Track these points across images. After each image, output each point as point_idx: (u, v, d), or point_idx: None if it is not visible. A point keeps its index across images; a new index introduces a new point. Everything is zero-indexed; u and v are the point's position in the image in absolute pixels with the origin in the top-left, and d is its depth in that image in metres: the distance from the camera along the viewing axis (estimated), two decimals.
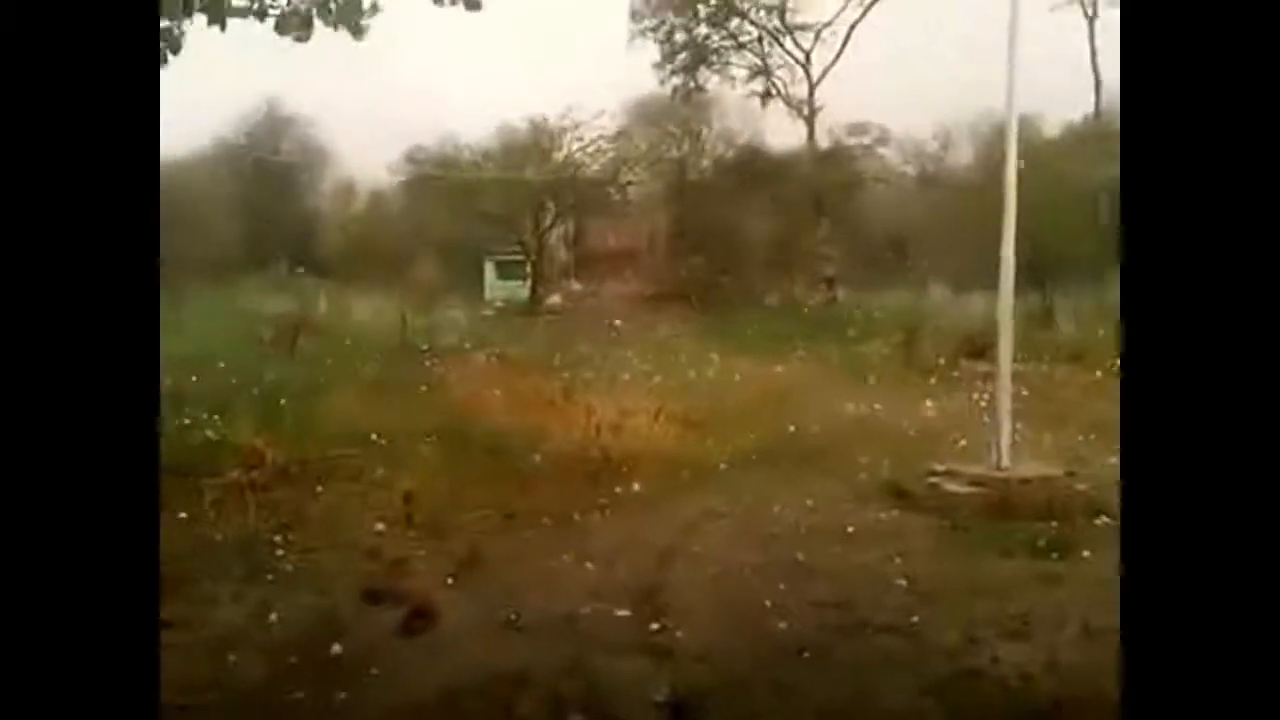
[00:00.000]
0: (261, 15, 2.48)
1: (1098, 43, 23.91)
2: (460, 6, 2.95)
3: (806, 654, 4.15)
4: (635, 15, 25.57)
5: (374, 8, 2.56)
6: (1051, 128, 22.43)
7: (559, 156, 26.23)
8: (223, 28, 2.56)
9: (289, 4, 2.49)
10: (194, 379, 10.26)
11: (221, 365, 11.95)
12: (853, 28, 24.26)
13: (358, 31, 2.58)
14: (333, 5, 2.46)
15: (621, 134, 26.90)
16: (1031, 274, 14.75)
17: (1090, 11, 25.33)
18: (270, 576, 5.16)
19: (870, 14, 24.15)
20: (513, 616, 4.55)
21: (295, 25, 2.49)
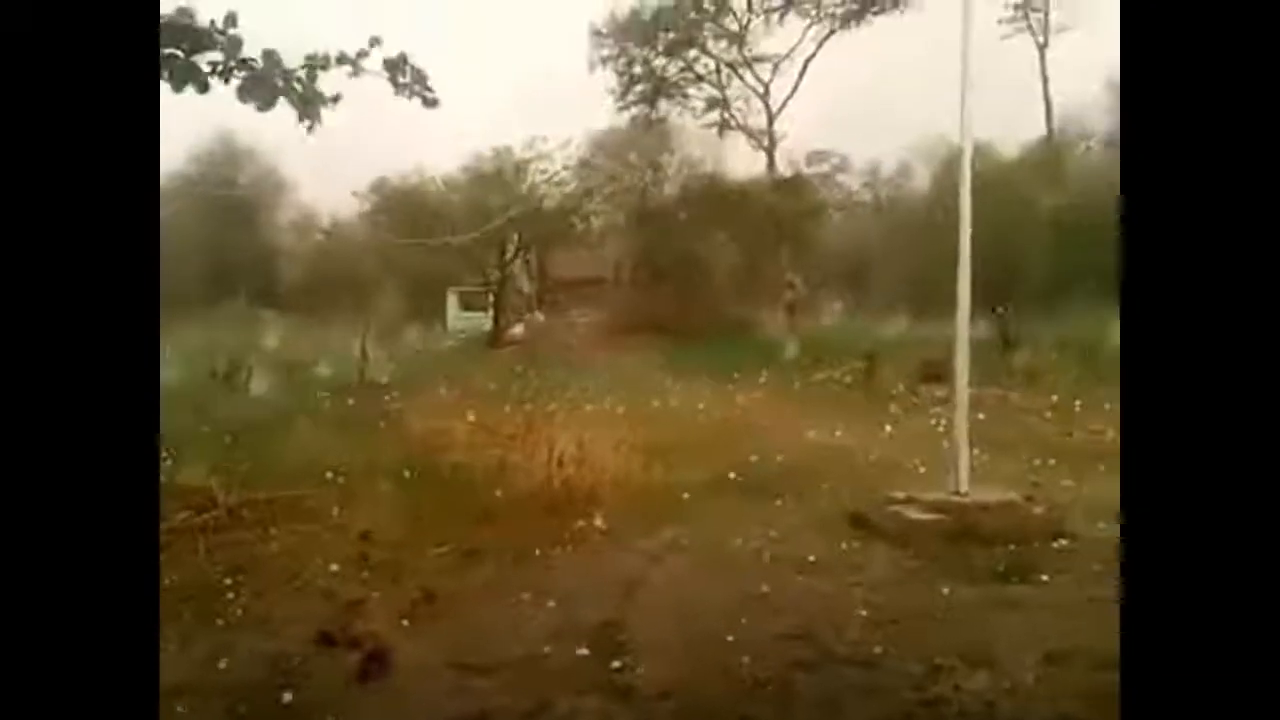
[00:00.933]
0: (226, 77, 2.41)
1: (1049, 70, 24.71)
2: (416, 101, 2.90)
3: (770, 688, 4.11)
4: (596, 40, 25.72)
5: (337, 99, 2.51)
6: (1006, 153, 23.01)
7: (523, 188, 26.28)
8: (178, 89, 2.48)
9: (253, 72, 2.43)
10: None
11: (174, 403, 11.69)
12: (808, 61, 24.77)
13: (315, 117, 2.52)
14: (297, 85, 2.41)
15: (585, 164, 27.05)
16: (987, 298, 15.02)
17: (1041, 39, 26.25)
18: (220, 621, 5.01)
19: (827, 45, 24.71)
20: (472, 659, 4.46)
21: (259, 95, 2.42)
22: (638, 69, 26.22)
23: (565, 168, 26.56)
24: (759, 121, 25.75)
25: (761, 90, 25.50)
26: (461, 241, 21.64)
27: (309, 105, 2.33)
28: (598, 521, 6.82)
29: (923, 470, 8.04)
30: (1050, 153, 23.69)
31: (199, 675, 4.30)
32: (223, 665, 4.44)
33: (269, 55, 2.28)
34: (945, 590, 5.35)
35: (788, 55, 24.93)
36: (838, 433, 10.28)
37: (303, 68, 2.31)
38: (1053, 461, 8.41)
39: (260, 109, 2.24)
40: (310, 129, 2.34)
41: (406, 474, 7.98)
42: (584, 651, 4.55)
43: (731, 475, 8.17)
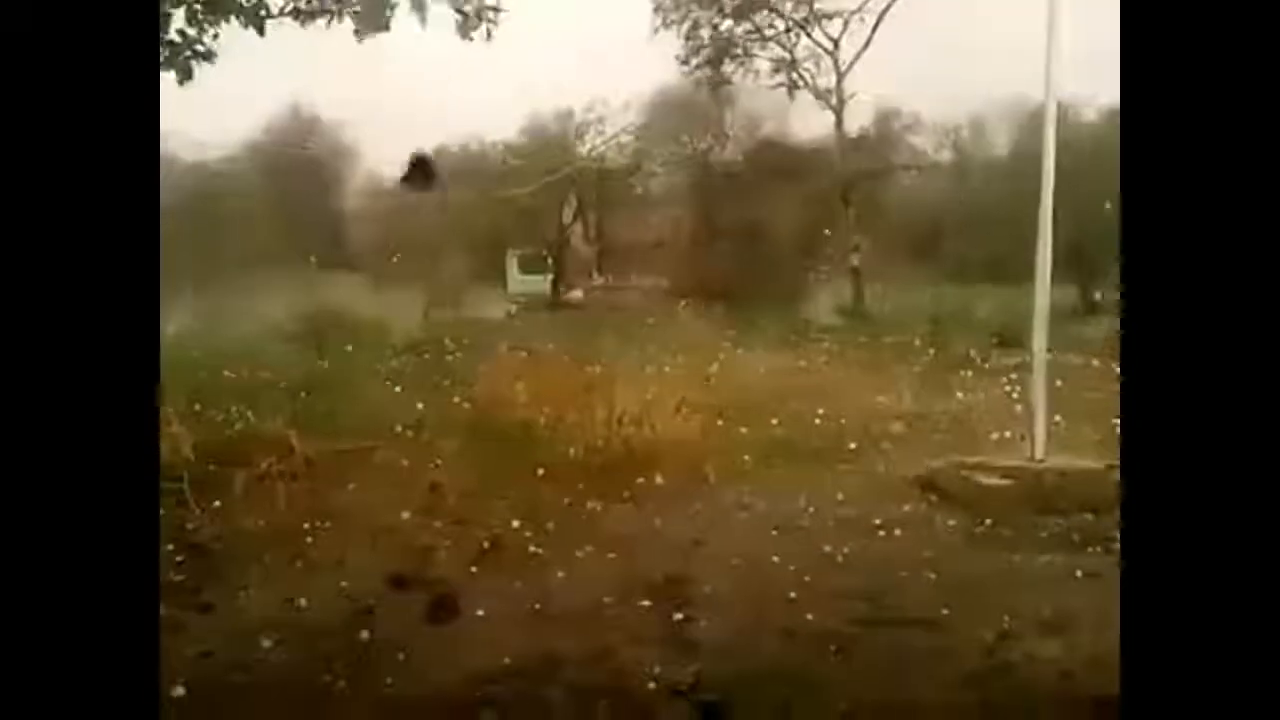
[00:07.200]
0: (297, 14, 2.45)
1: None
2: (483, 30, 2.92)
3: (834, 646, 4.09)
4: (658, 8, 25.29)
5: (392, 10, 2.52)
6: (1086, 114, 21.89)
7: (583, 150, 26.21)
8: (261, 32, 2.52)
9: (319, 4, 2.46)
10: (226, 373, 10.39)
11: (248, 359, 12.09)
12: (883, 14, 23.86)
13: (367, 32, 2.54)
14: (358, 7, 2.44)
15: (645, 126, 26.78)
16: (1066, 263, 14.45)
17: None
18: (300, 563, 5.20)
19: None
20: (536, 606, 4.54)
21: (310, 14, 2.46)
22: (703, 32, 25.68)
23: (625, 130, 26.37)
24: (827, 81, 25.04)
25: (830, 47, 24.77)
26: (520, 195, 21.74)
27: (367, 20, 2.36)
28: (659, 480, 6.84)
29: (994, 437, 7.83)
30: None
31: (280, 614, 4.48)
32: (303, 604, 4.61)
33: None
34: (1017, 557, 5.23)
35: (858, 11, 24.08)
36: (905, 397, 10.07)
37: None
38: None
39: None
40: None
41: (471, 430, 8.11)
42: (646, 603, 4.58)
43: (795, 438, 8.08)
